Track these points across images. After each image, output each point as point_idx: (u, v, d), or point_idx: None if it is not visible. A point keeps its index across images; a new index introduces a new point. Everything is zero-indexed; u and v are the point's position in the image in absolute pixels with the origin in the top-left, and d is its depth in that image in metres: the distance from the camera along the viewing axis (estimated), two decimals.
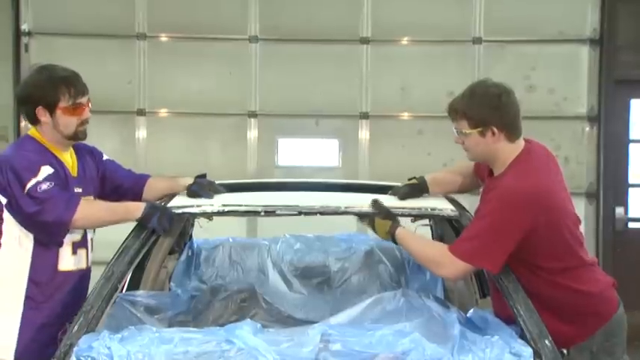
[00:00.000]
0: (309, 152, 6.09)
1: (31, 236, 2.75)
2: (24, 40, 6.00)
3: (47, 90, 2.78)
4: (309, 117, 6.08)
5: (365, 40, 6.03)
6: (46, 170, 2.71)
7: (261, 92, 6.06)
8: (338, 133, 6.10)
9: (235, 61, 6.06)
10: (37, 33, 6.02)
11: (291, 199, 3.00)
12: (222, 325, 2.50)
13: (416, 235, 2.87)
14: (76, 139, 2.88)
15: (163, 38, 6.08)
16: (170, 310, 3.20)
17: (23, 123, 6.00)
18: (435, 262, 2.70)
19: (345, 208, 2.92)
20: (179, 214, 2.91)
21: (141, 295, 3.15)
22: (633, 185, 6.16)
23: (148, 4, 6.01)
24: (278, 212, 2.90)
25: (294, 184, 3.49)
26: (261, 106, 6.07)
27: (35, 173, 2.68)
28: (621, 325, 2.74)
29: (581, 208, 5.83)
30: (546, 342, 2.42)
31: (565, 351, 2.60)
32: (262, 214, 2.91)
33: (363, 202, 2.98)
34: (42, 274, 2.77)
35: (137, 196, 3.10)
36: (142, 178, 3.16)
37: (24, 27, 6.00)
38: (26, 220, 2.72)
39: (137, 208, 2.83)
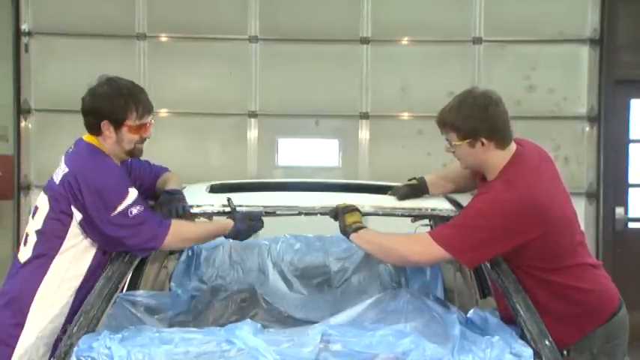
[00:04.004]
0: (309, 152, 6.09)
1: (93, 250, 2.72)
2: (24, 40, 6.00)
3: (117, 106, 2.72)
4: (309, 117, 6.08)
5: (365, 40, 6.03)
6: (133, 193, 2.67)
7: (261, 92, 6.06)
8: (338, 133, 6.10)
9: (235, 61, 6.06)
10: (37, 33, 6.02)
11: (291, 200, 3.00)
12: (222, 326, 2.50)
13: (380, 231, 2.82)
14: (131, 155, 2.86)
15: (163, 38, 6.08)
16: (170, 310, 3.21)
17: (23, 123, 6.02)
18: (411, 242, 2.67)
19: None
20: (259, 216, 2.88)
21: (141, 295, 3.15)
22: (633, 185, 6.15)
23: (148, 4, 6.01)
24: (278, 212, 2.90)
25: (294, 184, 3.49)
26: (261, 106, 6.07)
27: (124, 196, 2.64)
28: (623, 326, 2.73)
29: (581, 208, 5.84)
30: (546, 342, 2.42)
31: (565, 352, 2.60)
32: (262, 214, 2.91)
33: (363, 202, 2.98)
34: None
35: (151, 192, 3.10)
36: (157, 176, 3.14)
37: (24, 27, 6.00)
38: (111, 242, 2.68)
39: (225, 228, 2.83)
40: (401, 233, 2.91)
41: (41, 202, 2.75)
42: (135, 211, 2.64)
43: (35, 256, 2.70)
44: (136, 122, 2.75)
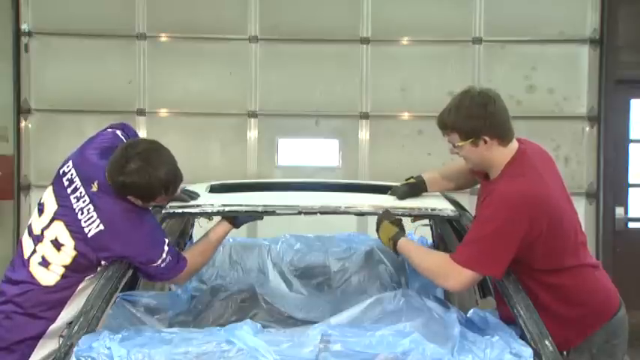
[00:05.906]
0: (309, 152, 6.09)
1: None
2: (24, 40, 6.00)
3: (149, 194, 2.71)
4: (309, 117, 6.08)
5: (365, 40, 6.03)
6: (166, 247, 2.74)
7: (261, 92, 6.06)
8: (338, 133, 6.10)
9: (235, 61, 6.06)
10: (37, 33, 6.01)
11: (291, 199, 3.00)
12: (222, 326, 2.50)
13: (418, 246, 2.84)
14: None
15: (163, 38, 6.07)
16: (170, 310, 3.20)
17: (23, 123, 6.02)
18: (439, 274, 2.65)
19: (345, 208, 2.92)
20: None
21: (141, 295, 3.15)
22: (633, 185, 6.15)
23: (147, 4, 6.01)
24: (278, 212, 2.90)
25: (294, 184, 3.49)
26: (261, 106, 6.07)
27: (157, 257, 2.72)
28: (622, 326, 2.73)
29: (581, 208, 5.83)
30: (546, 342, 2.41)
31: (565, 352, 2.60)
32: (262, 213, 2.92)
33: (363, 202, 2.98)
34: None
35: None
36: None
37: (24, 27, 5.99)
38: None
39: (227, 231, 2.97)
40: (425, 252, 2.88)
41: (63, 237, 2.71)
42: (163, 265, 2.74)
43: (62, 283, 2.70)
44: (164, 198, 2.79)
